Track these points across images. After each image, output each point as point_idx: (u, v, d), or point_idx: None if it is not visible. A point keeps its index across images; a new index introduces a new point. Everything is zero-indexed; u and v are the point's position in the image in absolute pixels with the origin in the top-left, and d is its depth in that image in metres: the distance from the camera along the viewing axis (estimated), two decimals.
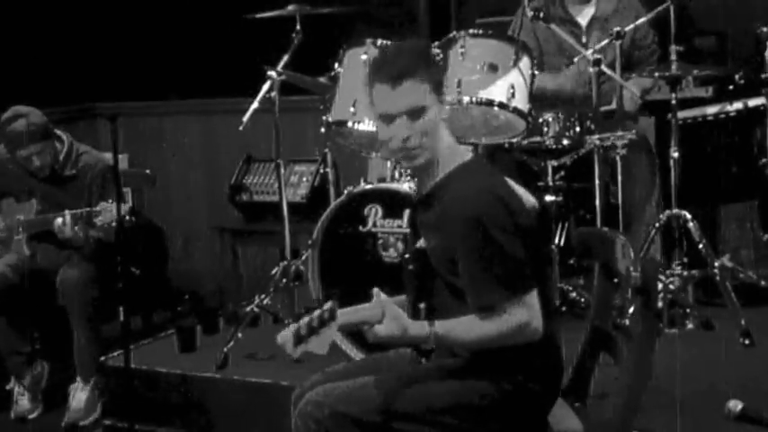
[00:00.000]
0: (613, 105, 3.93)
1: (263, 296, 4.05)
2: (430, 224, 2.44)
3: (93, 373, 4.03)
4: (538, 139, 3.86)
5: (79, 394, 4.02)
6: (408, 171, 3.33)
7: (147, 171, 4.64)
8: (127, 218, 3.69)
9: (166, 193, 5.61)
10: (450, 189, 2.38)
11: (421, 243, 2.50)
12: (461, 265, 2.33)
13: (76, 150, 4.21)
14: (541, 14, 3.88)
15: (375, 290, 2.40)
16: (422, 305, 2.43)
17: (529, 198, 2.62)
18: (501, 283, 2.29)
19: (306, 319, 2.21)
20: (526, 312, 2.31)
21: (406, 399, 2.40)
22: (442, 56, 3.65)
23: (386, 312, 2.31)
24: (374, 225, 3.64)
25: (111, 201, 3.81)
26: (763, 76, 3.88)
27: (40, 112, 4.09)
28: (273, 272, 4.08)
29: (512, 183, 2.53)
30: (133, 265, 4.30)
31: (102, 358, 4.01)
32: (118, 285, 3.87)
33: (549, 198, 3.92)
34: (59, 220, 3.87)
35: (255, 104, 3.93)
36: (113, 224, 3.75)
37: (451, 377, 2.42)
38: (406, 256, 2.55)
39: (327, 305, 2.25)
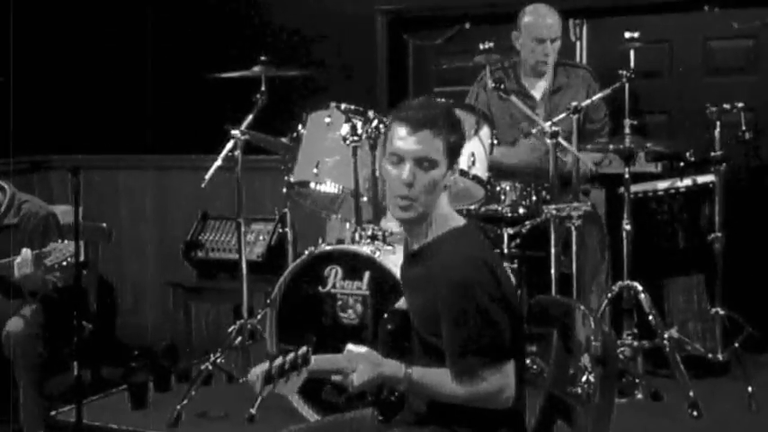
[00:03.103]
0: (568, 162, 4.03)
1: (217, 354, 4.03)
2: (416, 283, 2.46)
3: (39, 426, 3.94)
4: (495, 206, 3.94)
5: None
6: (395, 224, 3.31)
7: (104, 224, 4.62)
8: (80, 258, 3.65)
9: (118, 248, 5.57)
10: (440, 251, 2.40)
11: (401, 303, 2.53)
12: (444, 328, 2.34)
13: (19, 199, 4.17)
14: (502, 86, 3.99)
15: (348, 345, 2.41)
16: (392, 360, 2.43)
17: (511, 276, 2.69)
18: (481, 350, 2.31)
19: (279, 361, 2.21)
20: (502, 380, 2.33)
21: None
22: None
23: (359, 356, 2.33)
24: (334, 286, 3.67)
25: (60, 240, 3.77)
26: (712, 154, 4.01)
27: None
28: (230, 330, 4.07)
29: None
30: (84, 318, 4.24)
31: (53, 413, 3.94)
32: (70, 338, 3.84)
33: (504, 264, 3.98)
34: (20, 258, 3.81)
35: (219, 162, 3.96)
36: (64, 263, 3.71)
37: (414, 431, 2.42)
38: (385, 314, 2.56)
39: (302, 350, 2.25)
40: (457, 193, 3.85)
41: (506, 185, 3.95)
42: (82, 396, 3.51)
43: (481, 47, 3.91)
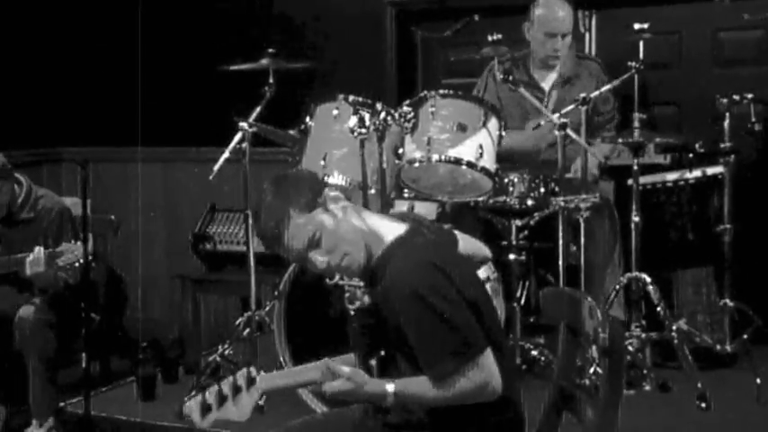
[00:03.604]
0: (572, 174, 4.03)
1: (224, 346, 4.04)
2: (379, 301, 2.42)
3: (49, 416, 3.96)
4: (503, 198, 3.93)
5: None
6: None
7: (112, 217, 4.63)
8: (90, 257, 3.67)
9: (127, 240, 5.58)
10: (389, 266, 2.36)
11: (365, 300, 2.50)
12: (412, 340, 2.31)
13: (35, 193, 4.19)
14: (511, 77, 3.98)
15: (325, 359, 2.37)
16: (373, 361, 2.42)
17: (478, 251, 2.66)
18: (451, 352, 2.28)
19: (214, 388, 2.18)
20: (482, 373, 2.30)
21: None
22: (412, 114, 3.74)
23: (330, 368, 2.30)
24: (341, 278, 3.66)
25: (72, 241, 3.79)
26: (721, 145, 4.00)
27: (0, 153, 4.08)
28: (237, 322, 4.07)
29: (461, 238, 2.56)
30: (93, 310, 4.26)
31: (62, 404, 3.96)
32: (79, 330, 3.86)
33: (512, 257, 3.98)
34: (32, 255, 3.83)
35: (227, 155, 3.96)
36: (76, 264, 3.72)
37: None
38: (352, 313, 2.55)
39: (242, 371, 2.22)
40: (465, 185, 3.85)
41: (514, 177, 3.93)
42: (90, 387, 3.53)
43: (489, 38, 3.91)
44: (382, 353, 2.42)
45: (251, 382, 2.21)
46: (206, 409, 2.16)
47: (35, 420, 3.98)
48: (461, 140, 3.71)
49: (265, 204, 2.37)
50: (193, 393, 2.22)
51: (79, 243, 3.71)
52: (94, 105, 5.84)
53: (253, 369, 2.23)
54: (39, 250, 3.83)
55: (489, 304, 2.47)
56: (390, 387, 2.31)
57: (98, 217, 4.56)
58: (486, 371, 2.31)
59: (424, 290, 2.26)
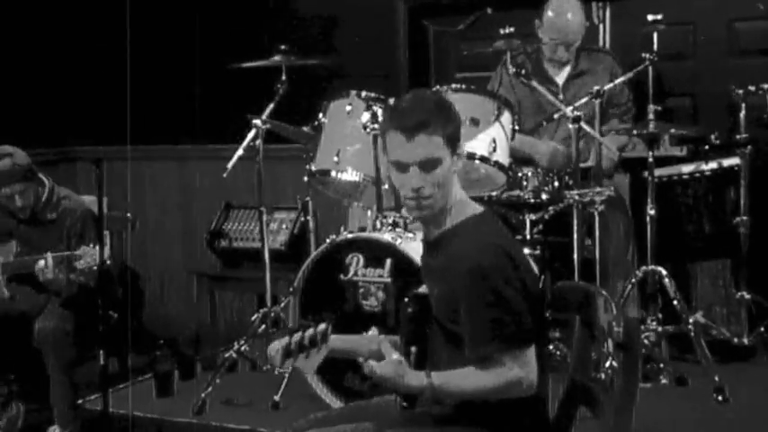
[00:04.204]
0: (590, 163, 4.02)
1: (241, 342, 4.05)
2: (435, 271, 2.46)
3: (71, 420, 3.98)
4: (517, 192, 3.92)
5: None
6: (411, 218, 3.35)
7: (128, 214, 4.65)
8: (107, 261, 3.70)
9: (143, 238, 5.61)
10: (457, 239, 2.40)
11: (423, 288, 2.53)
12: (463, 315, 2.34)
13: (57, 194, 4.22)
14: (524, 71, 3.97)
15: (373, 328, 2.44)
16: (413, 348, 2.42)
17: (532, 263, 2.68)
18: (500, 336, 2.30)
19: (297, 336, 2.22)
20: (523, 368, 2.32)
21: None
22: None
23: (386, 353, 2.34)
24: (355, 274, 3.67)
25: (91, 245, 3.81)
26: (737, 137, 3.97)
27: (24, 153, 4.10)
28: (253, 318, 4.09)
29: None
30: (111, 308, 4.28)
31: (80, 401, 3.98)
32: (96, 329, 3.88)
33: (526, 251, 3.96)
34: (41, 262, 3.87)
35: (240, 152, 3.97)
36: (94, 268, 3.75)
37: (438, 425, 2.43)
38: (406, 299, 2.57)
39: (321, 326, 2.26)
40: (478, 180, 3.85)
41: (528, 171, 3.92)
42: (108, 384, 3.55)
43: (502, 32, 3.89)
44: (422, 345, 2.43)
45: (325, 339, 2.25)
46: (288, 354, 2.21)
47: (57, 424, 3.99)
48: (474, 135, 3.71)
49: (427, 104, 2.41)
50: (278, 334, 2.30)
51: (97, 247, 3.73)
52: (109, 104, 5.85)
53: (329, 327, 2.27)
54: (48, 257, 3.85)
55: (541, 303, 2.48)
56: (429, 380, 2.32)
57: (114, 214, 4.58)
58: (528, 366, 2.33)
59: (491, 269, 2.30)
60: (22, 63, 5.58)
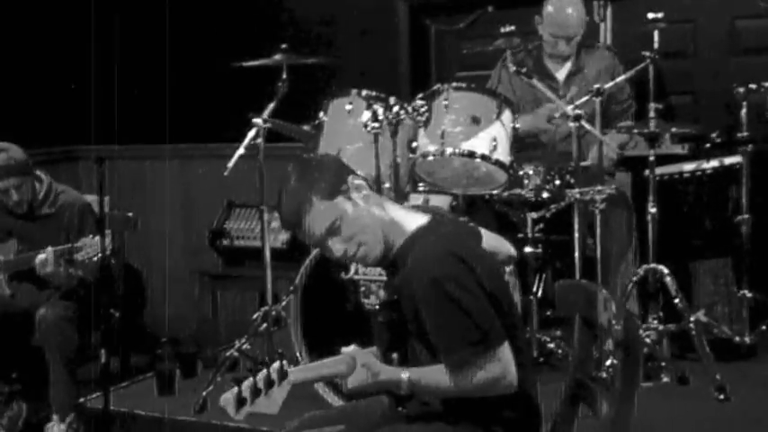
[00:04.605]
0: (589, 161, 4.01)
1: (242, 341, 4.05)
2: (399, 290, 2.44)
3: (69, 412, 3.99)
4: (518, 191, 3.92)
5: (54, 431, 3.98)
6: None
7: (129, 214, 4.65)
8: (108, 252, 3.69)
9: (145, 237, 5.61)
10: (410, 254, 2.37)
11: (386, 294, 2.52)
12: (428, 327, 2.33)
13: (55, 190, 4.24)
14: (524, 69, 3.97)
15: (343, 348, 2.41)
16: (394, 355, 2.44)
17: (503, 248, 2.67)
18: (468, 341, 2.29)
19: (249, 381, 2.20)
20: (498, 366, 2.31)
21: None
22: (426, 107, 3.74)
23: (356, 360, 2.34)
24: (356, 272, 3.67)
25: (91, 236, 3.81)
26: (739, 135, 3.97)
27: (20, 148, 4.11)
28: (254, 317, 4.09)
29: (483, 234, 2.56)
30: (112, 306, 4.29)
31: (81, 400, 3.99)
32: (98, 327, 3.88)
33: (527, 249, 3.97)
34: (42, 256, 3.88)
35: (241, 151, 3.97)
36: (95, 259, 3.75)
37: (429, 424, 2.43)
38: (377, 307, 2.56)
39: (275, 365, 2.25)
40: (479, 178, 3.85)
41: (529, 169, 3.92)
42: (109, 383, 3.55)
43: (502, 30, 3.89)
44: (401, 348, 2.44)
45: (283, 375, 2.24)
46: (241, 402, 2.20)
47: (56, 416, 4.01)
48: (475, 133, 3.71)
49: (288, 188, 2.40)
50: (231, 385, 2.24)
51: (97, 238, 3.73)
52: (111, 103, 5.86)
53: (285, 363, 2.27)
54: (48, 251, 3.87)
55: (509, 298, 2.47)
56: (405, 375, 2.33)
57: (116, 214, 4.58)
58: (503, 364, 2.31)
59: (444, 279, 2.28)
60: (24, 62, 5.59)
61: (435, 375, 2.34)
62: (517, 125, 3.81)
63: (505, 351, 2.32)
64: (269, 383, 2.22)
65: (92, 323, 4.14)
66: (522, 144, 4.01)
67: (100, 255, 3.65)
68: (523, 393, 2.40)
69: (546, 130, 4.22)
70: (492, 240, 2.70)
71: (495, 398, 2.35)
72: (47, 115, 5.62)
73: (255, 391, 2.20)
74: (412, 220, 2.44)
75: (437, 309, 2.30)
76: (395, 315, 2.46)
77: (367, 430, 2.45)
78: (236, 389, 2.20)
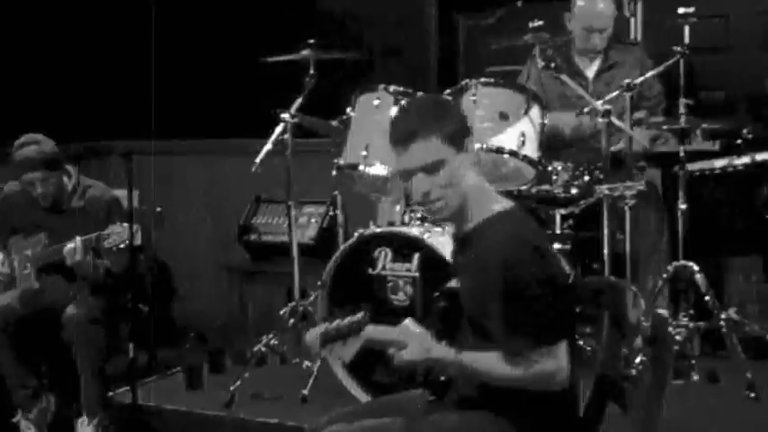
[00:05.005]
0: (621, 145, 3.97)
1: (270, 336, 4.06)
2: (464, 267, 2.47)
3: (99, 410, 4.01)
4: (547, 187, 3.89)
5: (84, 430, 4.00)
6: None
7: (158, 209, 4.67)
8: (135, 242, 3.70)
9: (173, 232, 5.64)
10: (486, 234, 2.39)
11: (452, 283, 2.53)
12: (492, 310, 2.34)
13: (83, 184, 4.26)
14: (553, 65, 3.94)
15: (406, 320, 2.43)
16: (444, 343, 2.44)
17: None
18: (530, 332, 2.30)
19: (336, 323, 2.26)
20: (554, 363, 2.32)
21: None
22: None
23: (412, 335, 2.36)
24: (383, 268, 3.67)
25: (119, 223, 3.83)
26: None
27: (53, 142, 4.14)
28: (282, 312, 4.10)
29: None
30: (141, 301, 4.32)
31: (110, 394, 4.01)
32: (127, 321, 3.90)
33: (556, 246, 3.94)
34: (70, 245, 3.90)
35: (269, 146, 3.98)
36: (122, 246, 3.76)
37: (473, 412, 2.42)
38: (436, 294, 2.57)
39: (359, 315, 2.30)
40: (507, 174, 3.83)
41: (558, 165, 3.89)
42: (137, 377, 3.57)
43: (531, 25, 3.87)
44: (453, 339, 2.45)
45: (360, 327, 2.30)
46: (326, 340, 2.25)
47: (86, 414, 4.02)
48: (503, 129, 3.69)
49: (415, 110, 2.43)
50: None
51: (125, 225, 3.75)
52: (140, 99, 5.89)
53: (366, 316, 2.32)
54: (77, 240, 3.89)
55: (573, 299, 2.47)
56: (458, 356, 2.35)
57: (144, 209, 4.60)
58: (558, 361, 2.32)
59: (518, 264, 2.29)
60: (54, 58, 5.63)
61: (489, 361, 2.34)
62: (546, 121, 3.78)
63: (562, 349, 2.33)
64: (350, 330, 2.27)
65: (120, 317, 4.17)
66: (551, 142, 3.98)
67: (127, 242, 3.67)
68: (568, 393, 2.40)
69: (574, 126, 4.17)
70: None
71: (539, 394, 2.35)
72: (76, 110, 5.66)
73: (339, 334, 2.27)
74: (497, 203, 2.46)
75: (507, 294, 2.30)
76: (449, 304, 2.47)
77: (401, 425, 2.44)
78: (322, 327, 2.27)
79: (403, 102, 3.74)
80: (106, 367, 4.07)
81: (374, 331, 2.37)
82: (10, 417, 4.15)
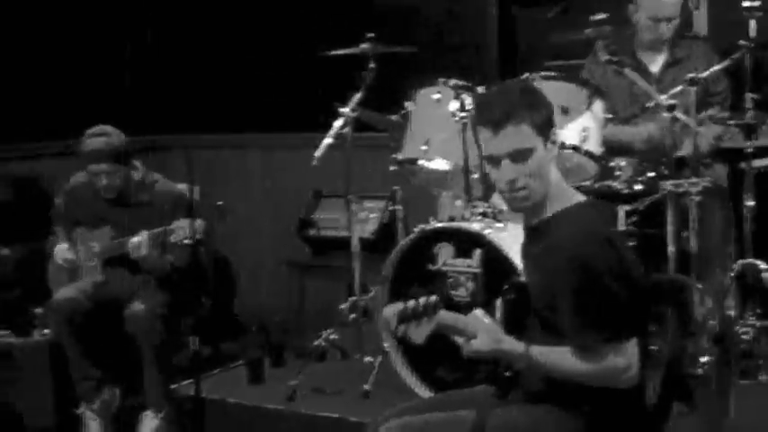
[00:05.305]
0: (686, 151, 3.91)
1: (330, 331, 4.08)
2: (534, 258, 2.46)
3: (164, 404, 4.07)
4: (609, 183, 3.85)
5: (149, 423, 4.05)
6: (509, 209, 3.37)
7: (220, 203, 4.72)
8: (199, 237, 3.74)
9: (233, 226, 5.69)
10: (559, 227, 2.38)
11: (521, 276, 2.53)
12: (562, 304, 2.33)
13: (150, 179, 4.31)
14: (616, 59, 3.89)
15: (476, 310, 2.43)
16: (511, 336, 2.43)
17: None
18: (601, 326, 2.29)
19: (412, 303, 2.27)
20: (624, 358, 2.31)
21: None
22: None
23: (482, 326, 2.36)
24: (444, 264, 3.66)
25: (183, 219, 3.87)
26: None
27: (123, 135, 4.18)
28: (342, 307, 4.11)
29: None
30: (203, 294, 4.36)
31: (173, 386, 4.07)
32: (189, 314, 3.93)
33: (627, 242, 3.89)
34: (136, 239, 3.95)
35: (329, 140, 3.99)
36: (186, 242, 3.80)
37: (533, 409, 2.42)
38: (505, 287, 2.56)
39: (434, 298, 2.31)
40: (570, 169, 3.78)
41: (622, 161, 3.85)
42: (201, 370, 3.61)
43: (593, 18, 3.82)
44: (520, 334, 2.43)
45: (435, 310, 2.30)
46: (403, 319, 2.26)
47: (150, 408, 4.08)
48: (564, 123, 3.65)
49: (512, 96, 2.41)
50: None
51: (189, 221, 3.79)
52: (200, 93, 5.95)
53: (440, 300, 2.32)
54: (142, 234, 3.94)
55: (645, 295, 2.44)
56: (527, 349, 2.34)
57: (206, 203, 4.65)
58: (629, 357, 2.31)
59: (592, 258, 2.28)
60: (116, 53, 5.72)
61: (558, 356, 2.34)
62: (609, 115, 3.73)
63: (633, 346, 2.31)
64: (425, 311, 2.28)
65: (183, 311, 4.22)
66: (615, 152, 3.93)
67: (191, 238, 3.71)
68: (636, 390, 2.38)
69: (645, 138, 4.08)
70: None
71: (607, 390, 2.33)
72: (137, 104, 5.73)
73: (415, 314, 2.27)
74: (573, 195, 2.46)
75: (579, 288, 2.29)
76: (518, 297, 2.47)
77: (467, 420, 2.44)
78: (400, 306, 2.27)
79: (459, 83, 3.70)
80: (171, 361, 4.12)
81: (447, 316, 2.36)
82: (74, 408, 4.21)
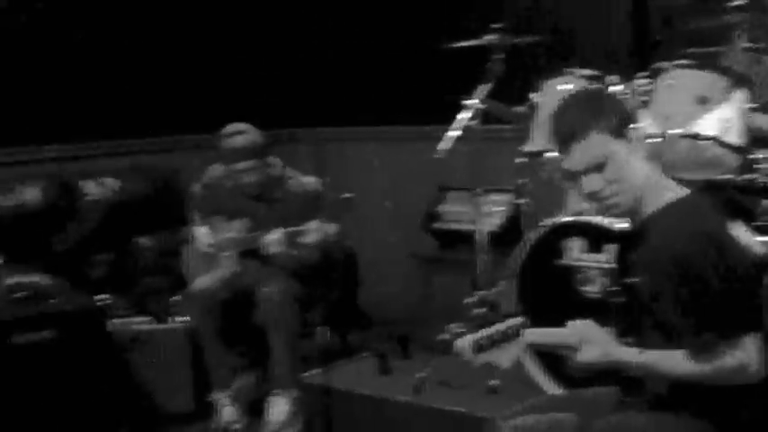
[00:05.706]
0: None
1: (456, 325, 4.06)
2: (638, 261, 2.39)
3: (294, 389, 4.10)
4: (750, 176, 3.69)
5: (278, 407, 4.09)
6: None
7: (348, 195, 4.76)
8: (332, 239, 3.78)
9: (358, 219, 5.73)
10: (660, 226, 2.31)
11: (632, 278, 2.46)
12: (673, 307, 2.26)
13: (286, 174, 4.37)
14: (756, 47, 3.72)
15: (577, 321, 2.39)
16: (630, 340, 2.37)
17: (754, 243, 2.55)
18: (715, 326, 2.22)
19: (486, 331, 2.25)
20: (743, 354, 2.22)
21: None
22: (648, 86, 3.59)
23: (590, 335, 2.31)
24: (575, 259, 3.59)
25: (317, 221, 3.92)
26: None
27: (259, 132, 4.26)
28: (467, 301, 4.09)
29: (736, 227, 2.44)
30: (331, 286, 4.41)
31: (304, 374, 4.11)
32: (317, 306, 3.97)
33: (762, 238, 3.73)
34: (272, 236, 4.02)
35: (456, 133, 3.96)
36: (318, 242, 3.84)
37: (659, 416, 2.35)
38: (614, 289, 2.50)
39: (515, 320, 2.28)
40: (707, 162, 3.65)
41: (764, 153, 3.68)
42: (330, 360, 3.65)
43: (731, 4, 3.67)
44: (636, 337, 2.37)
45: (517, 333, 2.27)
46: (478, 348, 2.25)
47: (278, 391, 4.13)
48: (702, 114, 3.52)
49: (572, 109, 2.38)
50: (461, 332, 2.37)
51: (321, 223, 3.83)
52: (330, 86, 6.00)
53: (524, 322, 2.29)
54: (278, 231, 4.00)
55: (759, 285, 2.37)
56: (640, 355, 2.28)
57: (336, 196, 4.69)
58: (748, 352, 2.22)
59: (695, 257, 2.21)
60: (245, 47, 5.83)
61: (673, 360, 2.26)
62: (753, 105, 3.58)
63: (753, 341, 2.23)
64: (505, 337, 2.26)
65: (312, 302, 4.27)
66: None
67: (322, 240, 3.75)
68: (762, 385, 2.28)
69: None
70: (743, 236, 2.61)
71: (733, 389, 2.25)
72: (267, 98, 5.83)
73: (492, 342, 2.25)
74: (672, 189, 2.38)
75: (688, 290, 2.22)
76: (632, 299, 2.40)
77: (591, 420, 2.40)
78: (471, 336, 2.25)
79: (560, 100, 3.64)
80: (300, 349, 4.17)
81: (535, 334, 2.33)
82: (209, 394, 4.29)
